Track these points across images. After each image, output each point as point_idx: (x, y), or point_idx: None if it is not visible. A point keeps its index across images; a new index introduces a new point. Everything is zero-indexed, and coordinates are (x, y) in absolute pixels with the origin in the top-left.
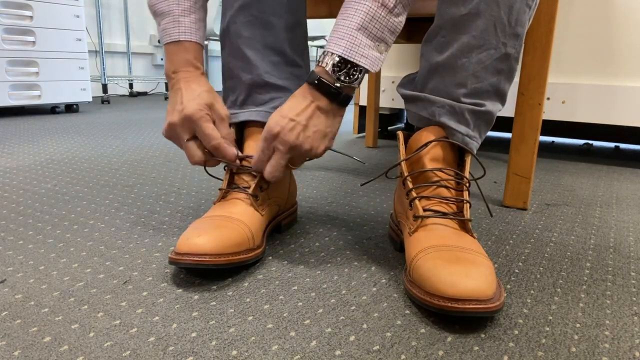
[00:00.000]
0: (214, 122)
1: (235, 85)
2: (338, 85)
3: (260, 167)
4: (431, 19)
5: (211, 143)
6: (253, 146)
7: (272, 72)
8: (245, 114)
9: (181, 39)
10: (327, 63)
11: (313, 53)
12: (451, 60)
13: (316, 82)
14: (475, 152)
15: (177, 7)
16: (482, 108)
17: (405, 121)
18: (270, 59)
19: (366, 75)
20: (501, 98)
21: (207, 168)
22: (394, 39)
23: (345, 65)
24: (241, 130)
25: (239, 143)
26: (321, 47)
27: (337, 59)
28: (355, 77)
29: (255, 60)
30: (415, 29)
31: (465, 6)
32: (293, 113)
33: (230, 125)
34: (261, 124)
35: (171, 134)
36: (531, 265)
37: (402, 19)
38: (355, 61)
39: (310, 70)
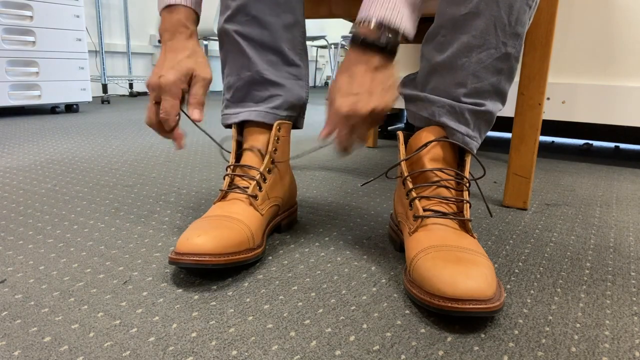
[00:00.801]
0: (188, 87)
1: (234, 83)
2: (384, 42)
3: (346, 146)
4: (431, 19)
5: (161, 115)
6: (252, 149)
7: (268, 71)
8: (244, 114)
9: (172, 3)
10: (368, 23)
11: (313, 53)
12: (451, 60)
13: (360, 42)
14: (475, 152)
15: None
16: (482, 108)
17: (405, 121)
18: (268, 58)
19: None
20: (501, 98)
21: (223, 153)
22: (423, 5)
23: (388, 26)
24: (241, 128)
25: (239, 143)
26: (322, 47)
27: (381, 18)
28: (398, 37)
29: (253, 60)
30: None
31: (465, 6)
32: (353, 87)
33: (230, 125)
34: (260, 124)
35: (148, 90)
36: (531, 265)
37: None
38: (395, 21)
39: (349, 34)
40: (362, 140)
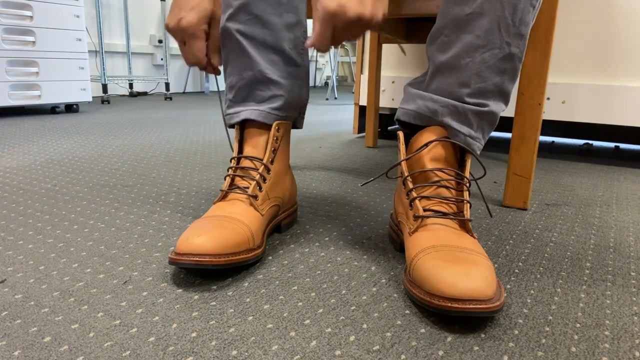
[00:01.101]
0: (209, 29)
1: (236, 83)
2: None
3: (322, 46)
4: (431, 19)
5: (191, 61)
6: (251, 151)
7: (270, 71)
8: (246, 112)
9: None
10: None
11: (312, 53)
12: (455, 60)
13: None
14: (478, 153)
15: None
16: (486, 108)
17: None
18: (269, 57)
19: (366, 76)
20: (505, 98)
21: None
22: None
23: None
24: (242, 128)
25: (240, 143)
26: None
27: None
28: None
29: (255, 60)
30: (415, 29)
31: (469, 6)
32: None
33: (233, 125)
34: (260, 124)
35: (170, 33)
36: (531, 265)
37: None
38: None
39: None
40: (342, 42)
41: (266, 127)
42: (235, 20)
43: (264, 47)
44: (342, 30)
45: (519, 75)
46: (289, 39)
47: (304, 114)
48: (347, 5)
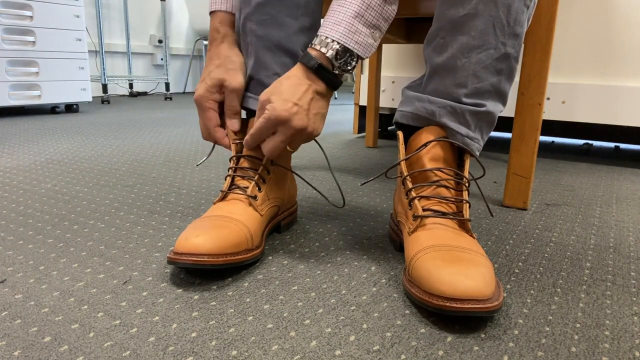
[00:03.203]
0: (219, 97)
1: (251, 75)
2: (336, 72)
3: (254, 145)
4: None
5: (203, 133)
6: (251, 151)
7: (281, 73)
8: (252, 100)
9: (212, 9)
10: (327, 49)
11: None
12: (451, 61)
13: (316, 67)
14: (477, 153)
15: None
16: (483, 109)
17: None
18: (282, 60)
19: (366, 76)
20: (502, 98)
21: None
22: (387, 27)
23: (345, 53)
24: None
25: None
26: None
27: (338, 46)
28: (352, 64)
29: (265, 62)
30: (415, 29)
31: (463, 7)
32: (295, 97)
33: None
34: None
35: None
36: (531, 265)
37: (395, 7)
38: (351, 48)
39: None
40: (280, 150)
41: None
42: (251, 19)
43: (277, 49)
44: (286, 138)
45: (515, 75)
46: (303, 42)
47: None
48: (296, 116)
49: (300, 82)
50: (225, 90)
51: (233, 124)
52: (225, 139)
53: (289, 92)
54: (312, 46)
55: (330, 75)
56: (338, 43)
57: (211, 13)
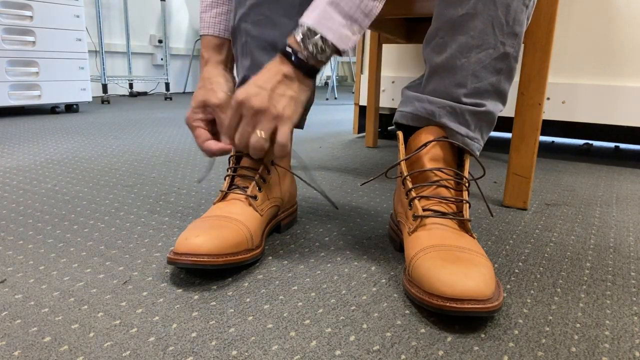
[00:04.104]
0: (206, 116)
1: (242, 80)
2: (305, 54)
3: (230, 134)
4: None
5: (201, 149)
6: None
7: None
8: None
9: (202, 34)
10: (297, 32)
11: None
12: (450, 61)
13: (285, 50)
14: (477, 153)
15: (202, 3)
16: (482, 108)
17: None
18: None
19: (366, 76)
20: (502, 98)
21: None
22: (369, 23)
23: (312, 35)
24: None
25: None
26: None
27: (306, 29)
28: (326, 52)
29: (261, 62)
30: (415, 29)
31: (462, 7)
32: (260, 81)
33: None
34: None
35: None
36: (531, 265)
37: (378, 4)
38: (322, 33)
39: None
40: (246, 137)
41: None
42: (246, 20)
43: (272, 49)
44: (250, 120)
45: (515, 75)
46: None
47: (306, 114)
48: (255, 97)
49: (269, 67)
50: (211, 108)
51: (223, 145)
52: (218, 144)
53: (256, 77)
54: (290, 34)
55: (297, 58)
56: (308, 28)
57: (202, 36)
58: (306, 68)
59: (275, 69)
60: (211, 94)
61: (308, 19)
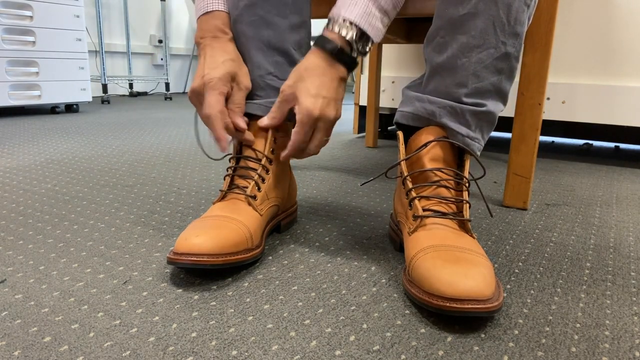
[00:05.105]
0: (230, 91)
1: None
2: (355, 55)
3: (301, 150)
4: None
5: (204, 112)
6: (250, 151)
7: (275, 72)
8: (249, 106)
9: (209, 10)
10: (346, 32)
11: None
12: (451, 61)
13: (336, 51)
14: (478, 153)
15: None
16: (483, 108)
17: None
18: (274, 59)
19: (366, 76)
20: (502, 98)
21: (207, 152)
22: (394, 15)
23: (362, 36)
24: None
25: (240, 143)
26: None
27: (356, 29)
28: (367, 48)
29: (258, 61)
30: (415, 29)
31: (463, 6)
32: (323, 90)
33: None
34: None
35: (193, 99)
36: (531, 265)
37: None
38: (364, 29)
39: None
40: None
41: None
42: (240, 21)
43: (268, 49)
44: (327, 130)
45: (516, 75)
46: (293, 40)
47: None
48: (327, 109)
49: (323, 71)
50: (238, 85)
51: (242, 121)
52: (244, 123)
53: (314, 85)
54: (329, 29)
55: (350, 59)
56: (356, 26)
57: (207, 13)
58: (353, 67)
59: (329, 73)
60: (245, 74)
61: (351, 14)
